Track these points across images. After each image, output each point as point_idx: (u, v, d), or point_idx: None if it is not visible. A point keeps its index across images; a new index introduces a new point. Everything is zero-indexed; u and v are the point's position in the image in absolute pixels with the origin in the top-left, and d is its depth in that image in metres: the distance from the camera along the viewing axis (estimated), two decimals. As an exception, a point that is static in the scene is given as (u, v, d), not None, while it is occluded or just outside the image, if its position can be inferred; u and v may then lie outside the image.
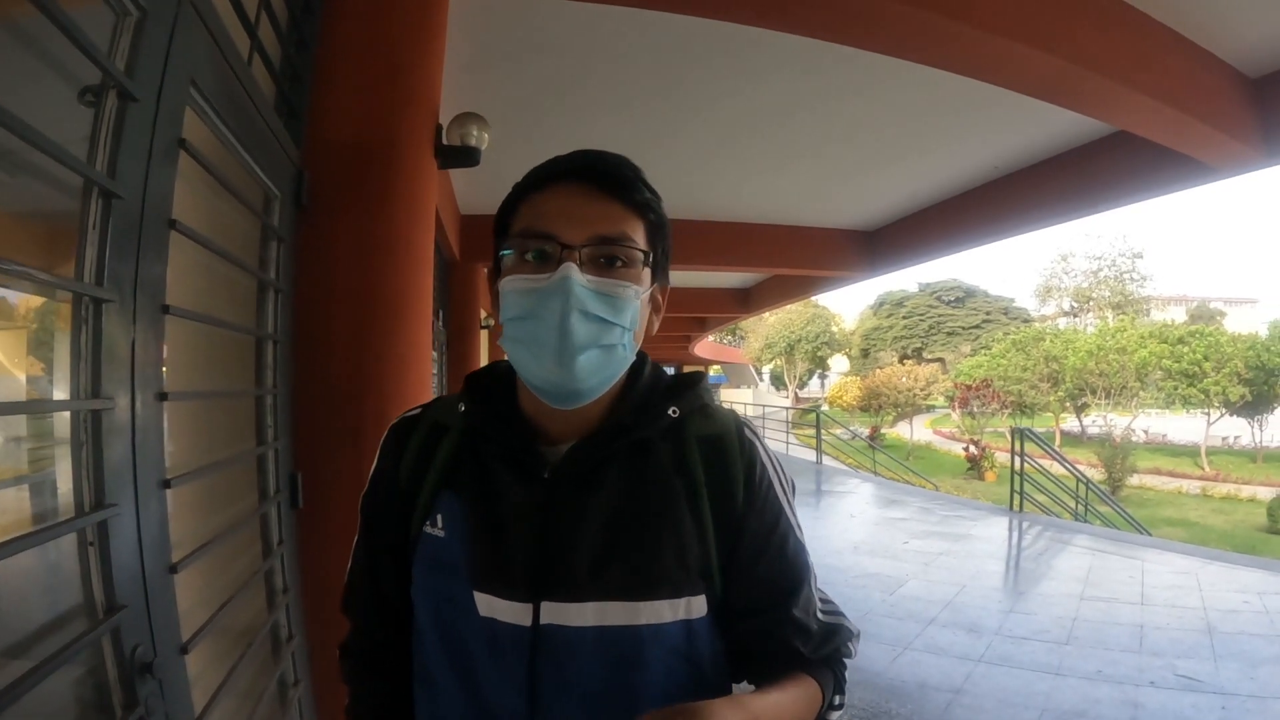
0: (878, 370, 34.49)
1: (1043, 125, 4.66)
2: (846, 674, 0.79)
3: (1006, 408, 24.80)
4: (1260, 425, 24.11)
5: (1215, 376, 22.79)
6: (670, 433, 0.74)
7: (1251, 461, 23.69)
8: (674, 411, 0.74)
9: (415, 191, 2.03)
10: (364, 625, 0.83)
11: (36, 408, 0.95)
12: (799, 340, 44.14)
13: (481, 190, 5.60)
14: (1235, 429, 25.83)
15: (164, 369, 1.05)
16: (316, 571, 1.74)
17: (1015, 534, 6.52)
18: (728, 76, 3.89)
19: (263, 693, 1.45)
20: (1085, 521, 8.03)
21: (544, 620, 0.68)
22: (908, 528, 6.74)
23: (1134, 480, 18.70)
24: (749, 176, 5.87)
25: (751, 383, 44.24)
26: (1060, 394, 26.17)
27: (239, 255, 1.47)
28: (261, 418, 1.64)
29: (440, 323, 6.37)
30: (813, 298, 27.92)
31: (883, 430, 27.97)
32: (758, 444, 0.76)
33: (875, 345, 47.09)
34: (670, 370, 0.83)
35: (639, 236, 0.70)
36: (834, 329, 46.46)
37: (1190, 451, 24.86)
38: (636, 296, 0.69)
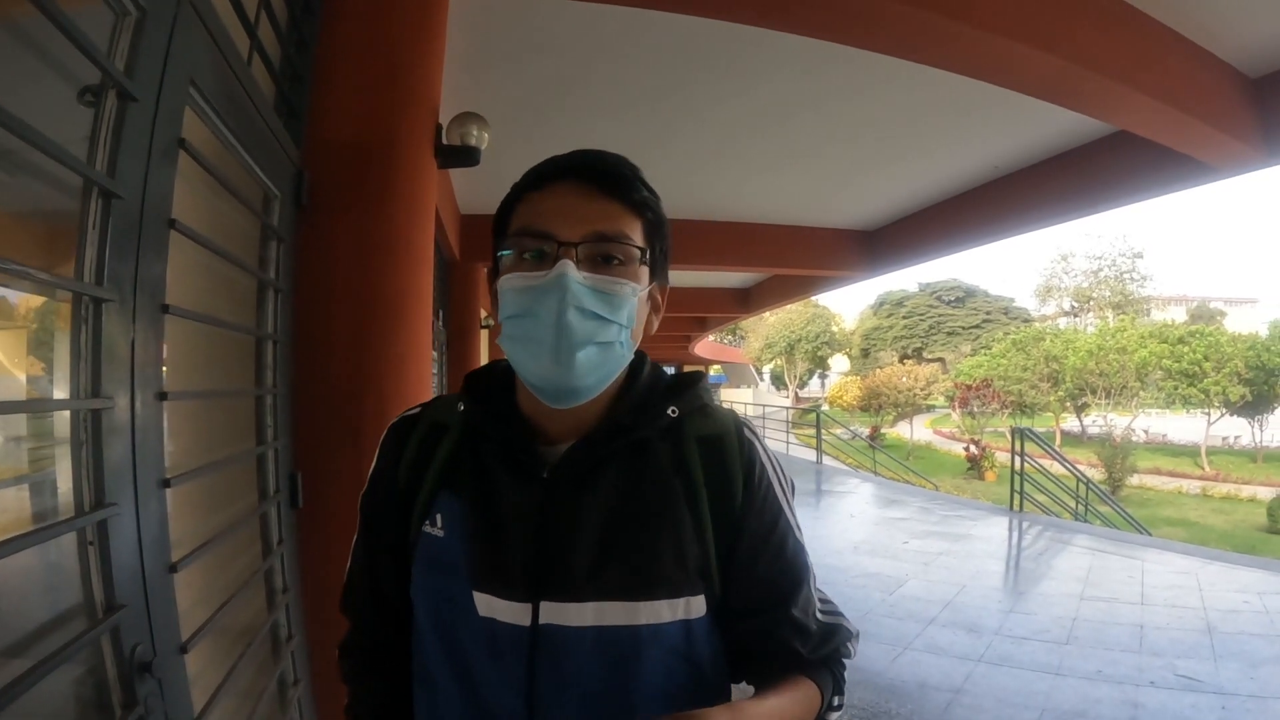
0: (878, 370, 34.50)
1: (1043, 125, 4.66)
2: (846, 674, 0.79)
3: (1007, 407, 24.80)
4: (1260, 425, 24.12)
5: (1215, 376, 22.79)
6: (669, 432, 0.74)
7: (1251, 461, 23.70)
8: (673, 411, 0.74)
9: (415, 191, 2.03)
10: (363, 625, 0.83)
11: (37, 407, 0.95)
12: (799, 340, 44.14)
13: (481, 190, 5.60)
14: (1235, 429, 25.84)
15: (164, 369, 1.05)
16: (316, 571, 1.74)
17: (1015, 534, 6.52)
18: (728, 77, 3.89)
19: (262, 692, 1.45)
20: (1085, 521, 8.03)
21: (543, 620, 0.68)
22: (908, 527, 6.74)
23: (1134, 480, 18.71)
24: (749, 176, 5.87)
25: (752, 382, 44.23)
26: (1060, 394, 26.17)
27: (239, 255, 1.48)
28: (261, 417, 1.64)
29: (440, 322, 6.38)
30: (813, 298, 27.95)
31: (883, 430, 27.96)
32: (757, 444, 0.76)
33: (875, 345, 47.09)
34: (670, 370, 0.83)
35: (636, 235, 0.70)
36: (834, 329, 46.46)
37: (1190, 451, 24.87)
38: (634, 294, 0.69)
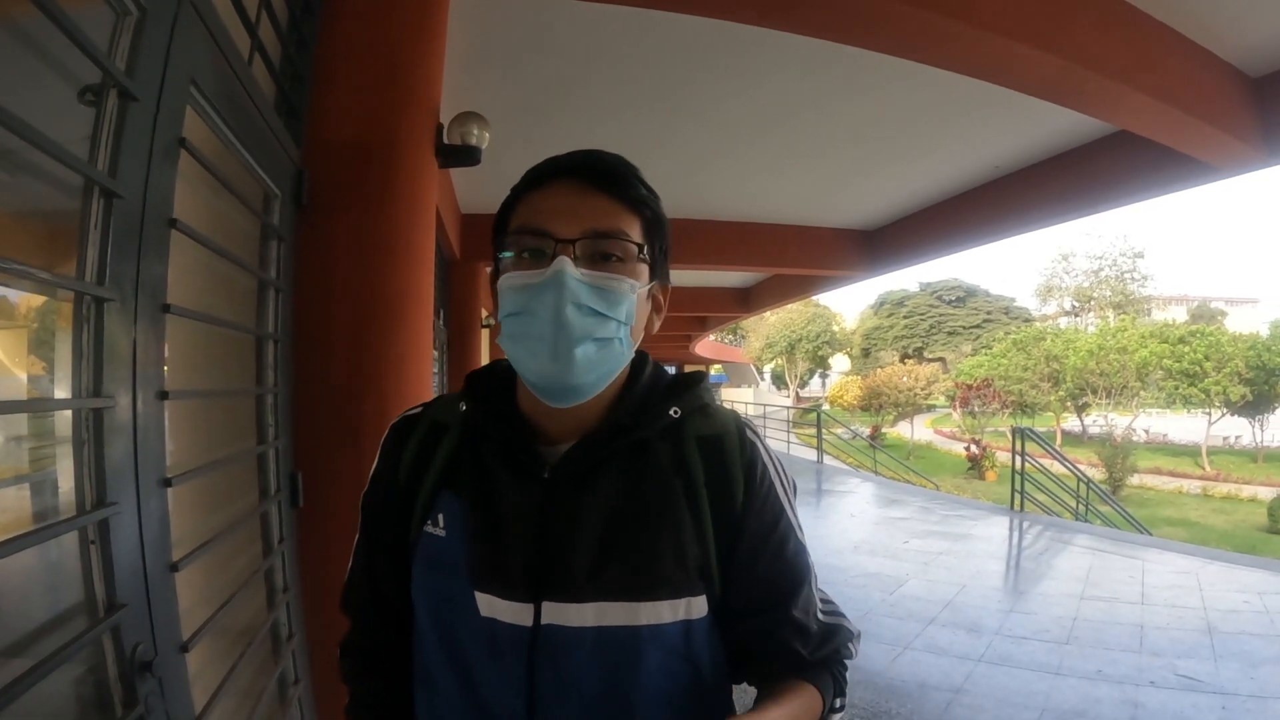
0: (879, 370, 34.50)
1: (1043, 125, 4.66)
2: (847, 674, 0.78)
3: (1007, 407, 24.79)
4: (1261, 425, 24.11)
5: (1216, 376, 22.79)
6: (669, 432, 0.74)
7: (1252, 461, 23.70)
8: (675, 412, 0.74)
9: (416, 191, 2.03)
10: (364, 624, 0.83)
11: (39, 406, 0.95)
12: (800, 340, 44.11)
13: (482, 189, 5.60)
14: (1236, 429, 25.84)
15: (165, 368, 1.05)
16: (316, 570, 1.74)
17: (1016, 533, 6.52)
18: (729, 77, 3.88)
19: (262, 691, 1.46)
20: (1086, 521, 8.03)
21: (545, 621, 0.68)
22: (908, 527, 6.74)
23: (1134, 480, 18.72)
24: (750, 176, 5.87)
25: (752, 382, 44.23)
26: (1061, 393, 26.17)
27: (239, 255, 1.48)
28: (262, 417, 1.64)
29: (441, 322, 6.38)
30: (813, 297, 27.93)
31: (883, 430, 27.97)
32: (759, 445, 0.76)
33: (876, 345, 47.06)
34: (671, 369, 0.83)
35: (634, 232, 0.70)
36: (835, 328, 46.41)
37: (1191, 451, 24.86)
38: (632, 291, 0.69)
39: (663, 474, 0.72)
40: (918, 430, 29.86)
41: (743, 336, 44.67)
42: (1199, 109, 3.39)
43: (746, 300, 12.39)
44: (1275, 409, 23.48)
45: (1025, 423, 19.79)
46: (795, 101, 4.27)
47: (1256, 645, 3.49)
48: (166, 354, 1.06)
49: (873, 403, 29.68)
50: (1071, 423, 27.91)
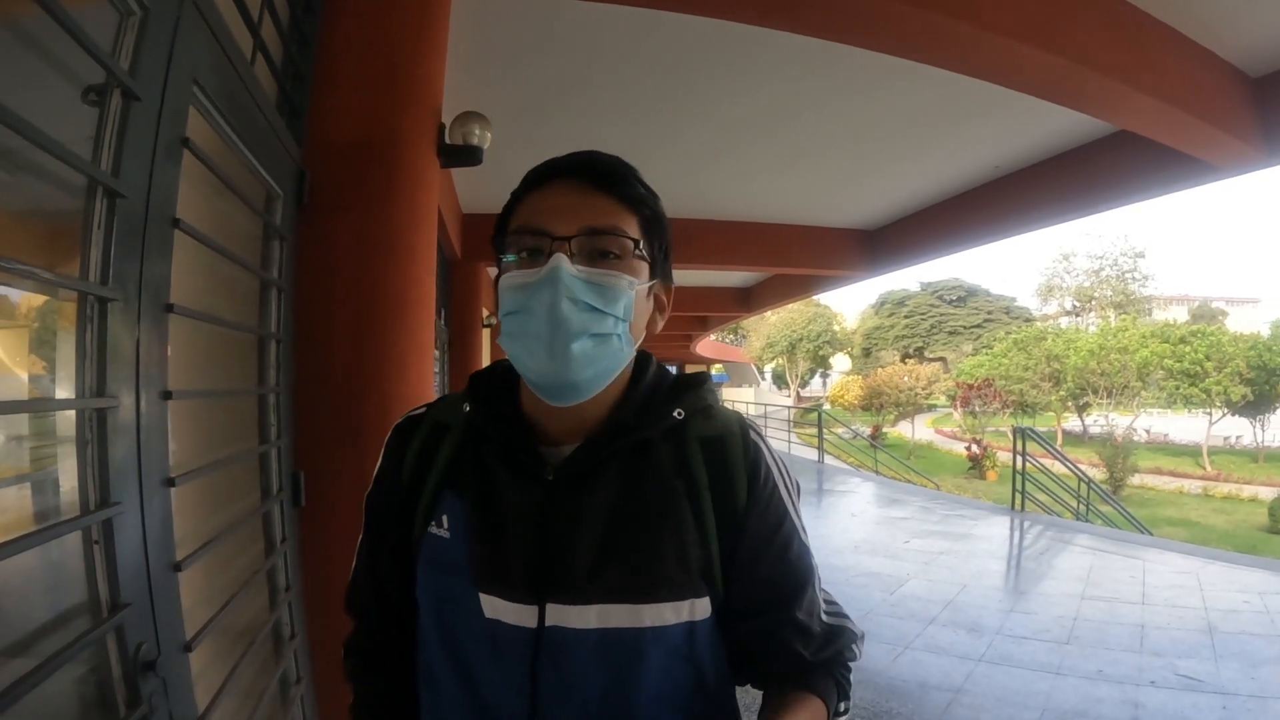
0: (879, 369, 34.51)
1: (1043, 125, 4.65)
2: (850, 676, 0.78)
3: (1008, 407, 24.80)
4: (1262, 425, 24.11)
5: (1217, 376, 22.78)
6: (671, 433, 0.74)
7: (1253, 461, 23.69)
8: (679, 413, 0.74)
9: (417, 190, 2.03)
10: (367, 624, 0.83)
11: (42, 406, 0.96)
12: (801, 339, 44.12)
13: (484, 189, 5.60)
14: (1237, 429, 25.83)
15: (168, 368, 1.05)
16: (318, 570, 1.74)
17: (1016, 533, 6.52)
18: (730, 77, 3.88)
19: (265, 691, 1.46)
20: (1086, 521, 8.02)
21: (549, 622, 0.68)
22: (909, 527, 6.74)
23: (1135, 480, 18.70)
24: (751, 176, 5.87)
25: (753, 382, 44.21)
26: (1062, 393, 26.16)
27: (241, 254, 1.48)
28: (264, 416, 1.64)
29: (442, 321, 6.38)
30: (814, 297, 27.90)
31: (884, 429, 27.94)
32: (763, 446, 0.76)
33: (877, 344, 47.06)
34: (672, 369, 0.83)
35: (632, 230, 0.70)
36: (836, 328, 46.43)
37: (1192, 451, 24.85)
38: (630, 287, 0.69)
39: (665, 475, 0.72)
40: (918, 430, 29.86)
41: (743, 336, 44.65)
42: (1199, 109, 3.39)
43: (747, 300, 12.39)
44: (1276, 409, 23.47)
45: (1026, 422, 19.80)
46: (796, 102, 4.27)
47: (1257, 645, 3.49)
48: (169, 354, 1.06)
49: (873, 402, 29.70)
50: (1072, 422, 27.89)
